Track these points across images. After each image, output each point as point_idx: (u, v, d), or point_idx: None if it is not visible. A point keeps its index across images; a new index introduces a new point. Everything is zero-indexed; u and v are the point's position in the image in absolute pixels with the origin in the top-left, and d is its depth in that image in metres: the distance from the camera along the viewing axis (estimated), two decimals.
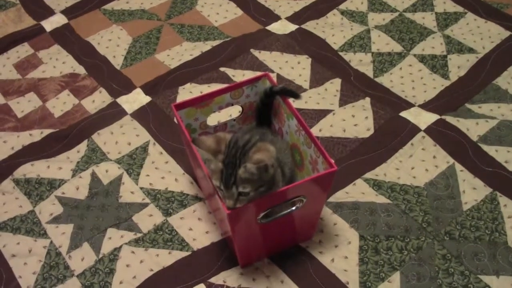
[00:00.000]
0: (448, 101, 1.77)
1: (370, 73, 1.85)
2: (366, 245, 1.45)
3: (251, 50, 1.92)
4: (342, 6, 2.08)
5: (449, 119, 1.70)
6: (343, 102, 1.76)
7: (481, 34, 1.96)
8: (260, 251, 1.44)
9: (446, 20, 2.02)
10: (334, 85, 1.81)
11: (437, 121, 1.70)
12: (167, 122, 1.72)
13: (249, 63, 1.87)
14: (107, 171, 1.60)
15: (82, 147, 1.67)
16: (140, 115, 1.74)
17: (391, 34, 1.97)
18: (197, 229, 1.49)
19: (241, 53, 1.91)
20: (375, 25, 2.01)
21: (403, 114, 1.72)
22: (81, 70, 1.88)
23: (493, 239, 1.45)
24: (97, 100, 1.79)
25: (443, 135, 1.67)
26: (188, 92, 1.78)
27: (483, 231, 1.47)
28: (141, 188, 1.57)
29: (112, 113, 1.75)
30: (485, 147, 1.64)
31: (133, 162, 1.63)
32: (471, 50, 1.91)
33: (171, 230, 1.49)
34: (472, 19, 2.01)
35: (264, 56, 1.90)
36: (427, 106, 1.75)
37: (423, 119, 1.71)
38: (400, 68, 1.86)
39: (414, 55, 1.90)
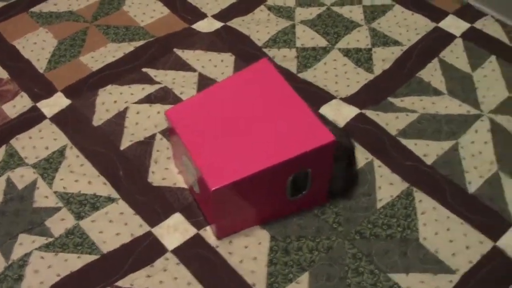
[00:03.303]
0: (371, 94, 1.76)
1: (293, 69, 1.84)
2: (276, 246, 1.44)
3: (175, 49, 1.90)
4: (270, 2, 2.06)
5: (369, 113, 1.69)
6: None
7: (407, 26, 1.94)
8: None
9: (373, 13, 2.00)
10: None
11: (357, 115, 1.69)
12: (85, 125, 1.70)
13: (172, 63, 1.85)
14: (22, 176, 1.59)
15: (0, 152, 1.66)
16: (59, 119, 1.72)
17: (316, 29, 1.95)
18: (107, 231, 1.48)
19: (164, 53, 1.89)
20: (301, 20, 1.99)
21: (323, 109, 1.71)
22: (4, 74, 1.86)
23: (405, 236, 1.45)
24: (18, 105, 1.77)
25: (362, 130, 1.66)
26: (108, 93, 1.77)
27: (395, 229, 1.46)
28: (55, 192, 1.56)
29: (32, 118, 1.73)
30: (404, 141, 1.63)
31: (49, 166, 1.62)
32: (396, 43, 1.90)
33: (82, 233, 1.48)
34: (400, 12, 1.99)
35: (187, 55, 1.88)
36: (349, 100, 1.74)
37: (343, 113, 1.70)
38: (325, 63, 1.85)
39: (339, 49, 1.89)
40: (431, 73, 1.79)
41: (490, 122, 1.66)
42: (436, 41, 1.89)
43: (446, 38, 1.90)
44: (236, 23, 1.98)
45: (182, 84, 1.79)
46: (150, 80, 1.81)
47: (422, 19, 1.96)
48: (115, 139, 1.67)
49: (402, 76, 1.80)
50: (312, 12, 2.01)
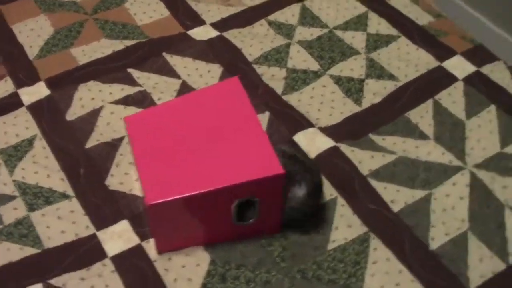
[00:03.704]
0: (352, 128, 1.67)
1: (279, 90, 1.77)
2: (214, 271, 1.39)
3: (164, 53, 1.87)
4: (272, 17, 2.00)
5: (344, 148, 1.61)
6: None
7: (408, 61, 1.84)
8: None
9: (376, 42, 1.91)
10: None
11: (331, 148, 1.61)
12: (58, 118, 1.69)
13: (159, 67, 1.82)
14: None
15: None
16: (35, 108, 1.72)
17: (311, 51, 1.88)
18: (54, 227, 1.47)
19: (153, 55, 1.86)
20: (299, 40, 1.92)
21: (298, 135, 1.64)
22: None
23: (348, 284, 1.36)
24: (1, 89, 1.78)
25: (332, 165, 1.58)
26: (87, 89, 1.75)
27: (339, 275, 1.38)
28: (14, 181, 1.55)
29: (10, 103, 1.74)
30: (374, 183, 1.54)
31: (15, 154, 1.61)
32: (391, 77, 1.80)
33: (29, 226, 1.47)
34: (404, 44, 1.90)
35: (175, 61, 1.85)
36: (328, 130, 1.66)
37: (317, 144, 1.62)
38: (313, 88, 1.78)
39: (330, 76, 1.81)
40: (421, 115, 1.69)
41: (471, 177, 1.55)
42: (435, 81, 1.79)
43: (446, 79, 1.79)
44: (232, 34, 1.93)
45: (162, 90, 1.76)
46: (131, 81, 1.78)
47: (426, 56, 1.86)
48: (83, 136, 1.65)
49: (390, 113, 1.70)
50: (313, 33, 1.94)
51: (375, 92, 1.76)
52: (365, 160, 1.59)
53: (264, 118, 1.69)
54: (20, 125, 1.68)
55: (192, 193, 1.31)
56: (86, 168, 1.58)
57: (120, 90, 1.75)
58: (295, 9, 2.02)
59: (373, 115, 1.71)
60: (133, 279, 1.38)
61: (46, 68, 1.83)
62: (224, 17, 2.00)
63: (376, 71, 1.82)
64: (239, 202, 1.36)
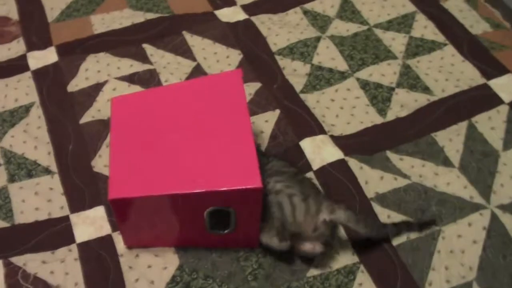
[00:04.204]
0: (369, 141, 1.49)
1: (298, 87, 1.61)
2: (180, 277, 1.27)
3: (184, 32, 1.74)
4: (309, 5, 1.82)
5: (353, 163, 1.44)
6: None
7: (450, 74, 1.62)
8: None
9: (418, 47, 1.69)
10: (248, 89, 1.59)
11: (337, 161, 1.44)
12: (60, 87, 1.62)
13: (175, 46, 1.70)
14: None
15: None
16: (40, 74, 1.65)
17: (342, 49, 1.69)
18: (29, 202, 1.41)
19: (172, 32, 1.74)
20: (332, 35, 1.73)
21: (304, 142, 1.48)
22: (15, 15, 1.82)
23: None
24: (12, 49, 1.72)
25: (335, 180, 1.41)
26: (95, 61, 1.66)
27: None
28: (1, 148, 1.50)
29: (17, 66, 1.68)
30: (378, 208, 1.36)
31: (9, 120, 1.56)
32: (425, 90, 1.59)
33: (6, 197, 1.42)
34: (449, 54, 1.67)
35: (194, 41, 1.72)
36: (339, 140, 1.49)
37: (323, 153, 1.45)
38: (336, 90, 1.60)
39: (358, 79, 1.62)
40: (450, 137, 1.48)
41: (491, 219, 1.34)
42: (475, 101, 1.56)
43: (489, 101, 1.56)
44: (261, 19, 1.78)
45: (173, 71, 1.64)
46: (143, 58, 1.68)
47: (471, 70, 1.62)
48: (80, 110, 1.57)
49: (415, 130, 1.50)
50: (349, 29, 1.75)
51: (404, 104, 1.56)
52: (373, 181, 1.41)
53: (273, 116, 1.54)
54: (21, 90, 1.62)
55: (159, 194, 1.20)
56: (75, 145, 1.50)
57: (129, 66, 1.65)
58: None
59: (395, 129, 1.52)
60: (93, 272, 1.30)
61: (60, 33, 1.76)
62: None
63: (410, 80, 1.61)
64: (214, 209, 1.23)
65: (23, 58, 1.70)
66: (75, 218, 1.37)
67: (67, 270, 1.30)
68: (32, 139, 1.51)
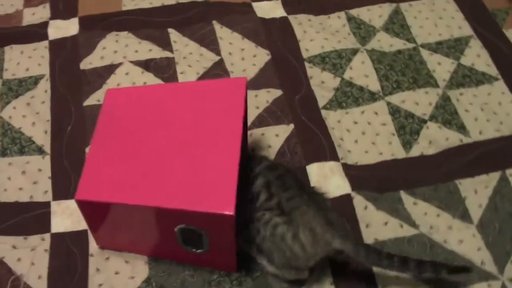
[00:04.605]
0: (384, 177, 1.34)
1: (322, 101, 1.46)
2: None
3: (214, 21, 1.62)
4: (354, 11, 1.65)
5: (358, 200, 1.29)
6: (258, 120, 1.43)
7: (493, 115, 1.42)
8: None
9: (465, 77, 1.50)
10: (267, 95, 1.47)
11: (342, 196, 1.29)
12: (73, 63, 1.54)
13: (202, 35, 1.59)
14: None
15: None
16: (56, 45, 1.59)
17: (378, 66, 1.52)
18: (14, 181, 1.36)
19: (202, 20, 1.62)
20: (372, 49, 1.56)
21: (311, 167, 1.34)
22: None
23: None
24: (37, 15, 1.66)
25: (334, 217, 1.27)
26: (114, 40, 1.57)
27: None
28: (1, 117, 1.45)
29: (37, 33, 1.62)
30: None
31: (16, 89, 1.50)
32: (461, 128, 1.40)
33: None
34: (499, 91, 1.47)
35: (223, 33, 1.60)
36: (352, 170, 1.34)
37: (329, 184, 1.31)
38: (362, 112, 1.44)
39: (388, 103, 1.46)
40: (476, 188, 1.30)
41: None
42: None
43: None
44: (299, 20, 1.63)
45: (192, 63, 1.53)
46: (165, 44, 1.57)
47: None
48: (86, 91, 1.50)
49: (438, 173, 1.34)
50: (393, 44, 1.57)
51: (433, 140, 1.39)
52: (375, 225, 1.26)
53: (285, 131, 1.41)
54: (35, 60, 1.57)
55: (129, 203, 1.11)
56: (74, 127, 1.43)
57: (148, 51, 1.55)
58: (386, 9, 1.65)
59: (417, 168, 1.35)
60: (59, 267, 1.23)
61: (88, 4, 1.68)
62: None
63: (446, 115, 1.43)
64: (186, 228, 1.13)
65: (44, 26, 1.63)
66: (55, 206, 1.31)
67: (34, 260, 1.24)
68: (33, 114, 1.46)
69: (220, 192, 1.09)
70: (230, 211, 1.06)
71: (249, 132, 1.41)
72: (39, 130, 1.44)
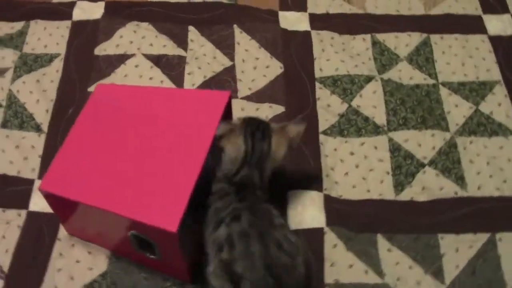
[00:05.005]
0: (365, 216, 1.27)
1: (323, 126, 1.40)
2: (99, 284, 1.21)
3: (235, 25, 1.59)
4: (382, 36, 1.56)
5: (329, 237, 1.24)
6: None
7: (499, 171, 1.31)
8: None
9: (479, 126, 1.39)
10: (268, 111, 1.43)
11: (313, 230, 1.25)
12: (88, 47, 1.56)
13: (221, 38, 1.56)
14: (3, 58, 1.54)
15: (17, 26, 1.61)
16: (77, 27, 1.61)
17: (389, 99, 1.44)
18: (7, 154, 1.40)
19: (224, 22, 1.59)
20: (389, 78, 1.47)
21: (291, 194, 1.29)
22: None
23: None
24: None
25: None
26: (132, 30, 1.57)
27: None
28: (9, 90, 1.49)
29: (63, 12, 1.64)
30: None
31: (31, 64, 1.54)
32: (459, 180, 1.30)
33: None
34: None
35: (241, 39, 1.56)
36: (334, 204, 1.28)
37: (303, 215, 1.27)
38: (362, 144, 1.37)
39: (390, 140, 1.38)
40: (459, 247, 1.20)
41: None
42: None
43: None
44: (321, 36, 1.56)
45: (202, 65, 1.51)
46: (181, 41, 1.56)
47: None
48: (94, 77, 1.52)
49: (422, 224, 1.25)
50: (413, 77, 1.47)
51: (427, 187, 1.30)
52: (340, 266, 1.20)
53: None
54: (54, 38, 1.59)
55: (81, 201, 1.12)
56: (74, 112, 1.45)
57: (162, 46, 1.55)
58: (414, 38, 1.56)
59: (402, 213, 1.28)
60: (26, 245, 1.27)
61: None
62: (330, 12, 1.62)
63: (447, 163, 1.34)
64: (138, 235, 1.12)
65: (71, 5, 1.66)
66: (38, 185, 1.32)
67: (5, 233, 1.28)
68: (39, 92, 1.49)
69: (170, 206, 1.08)
70: (173, 228, 1.05)
71: None
72: (41, 108, 1.47)
